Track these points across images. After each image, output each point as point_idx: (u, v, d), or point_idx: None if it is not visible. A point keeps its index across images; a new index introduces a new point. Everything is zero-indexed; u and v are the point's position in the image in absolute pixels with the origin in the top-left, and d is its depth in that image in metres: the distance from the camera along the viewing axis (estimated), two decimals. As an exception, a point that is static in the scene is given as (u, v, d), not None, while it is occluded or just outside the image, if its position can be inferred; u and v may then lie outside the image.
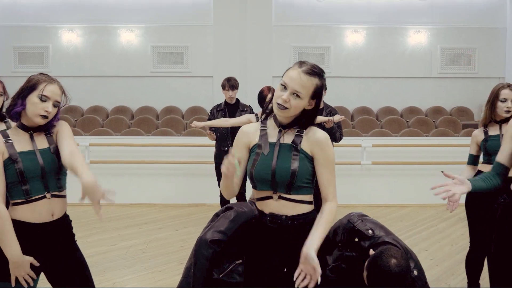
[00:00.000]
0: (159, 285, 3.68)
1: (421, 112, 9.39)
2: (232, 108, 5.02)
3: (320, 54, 9.47)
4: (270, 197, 1.93)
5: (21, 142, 2.05)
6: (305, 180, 1.91)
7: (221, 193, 4.97)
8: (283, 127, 1.94)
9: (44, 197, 2.05)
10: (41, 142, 2.10)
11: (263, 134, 1.97)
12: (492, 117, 3.21)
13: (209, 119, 5.00)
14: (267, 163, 1.91)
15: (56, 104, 2.09)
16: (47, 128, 2.13)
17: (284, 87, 1.86)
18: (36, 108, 2.03)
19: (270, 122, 1.99)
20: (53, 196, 2.07)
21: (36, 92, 2.04)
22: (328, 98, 9.21)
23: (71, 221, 2.22)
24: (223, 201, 5.03)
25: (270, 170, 1.89)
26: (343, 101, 9.36)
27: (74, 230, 2.25)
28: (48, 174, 2.06)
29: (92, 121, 8.58)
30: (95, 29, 9.37)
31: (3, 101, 2.78)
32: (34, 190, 2.03)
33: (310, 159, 1.91)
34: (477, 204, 3.18)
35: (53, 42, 9.40)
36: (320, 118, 4.62)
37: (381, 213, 6.09)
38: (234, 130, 4.90)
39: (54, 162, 2.09)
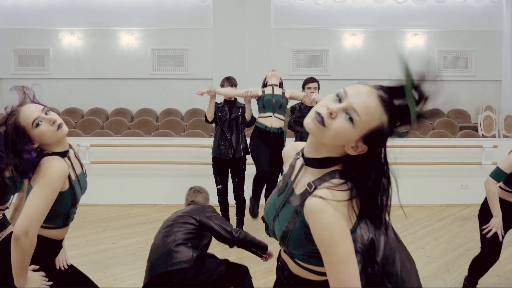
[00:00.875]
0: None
1: (419, 114, 9.46)
2: (231, 104, 5.09)
3: (318, 56, 9.57)
4: None
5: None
6: (304, 253, 1.36)
7: (218, 193, 5.00)
8: (305, 161, 1.36)
9: (72, 219, 2.10)
10: (77, 164, 2.05)
11: (293, 163, 1.43)
12: None
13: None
14: (273, 209, 1.43)
15: (46, 111, 1.91)
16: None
17: (340, 99, 1.27)
18: (48, 132, 1.87)
19: None
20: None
21: (29, 127, 1.86)
22: (327, 100, 9.34)
23: None
24: (222, 201, 5.09)
25: (272, 220, 1.42)
26: (341, 103, 9.45)
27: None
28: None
29: (92, 123, 8.65)
30: (96, 32, 9.45)
31: None
32: (71, 217, 2.07)
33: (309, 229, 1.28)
34: (490, 214, 3.14)
35: (53, 44, 9.48)
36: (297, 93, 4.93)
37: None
38: (232, 125, 4.97)
39: (86, 185, 2.10)
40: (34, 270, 1.95)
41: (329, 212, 1.21)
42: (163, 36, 9.49)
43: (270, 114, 4.74)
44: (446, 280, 3.75)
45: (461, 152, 6.80)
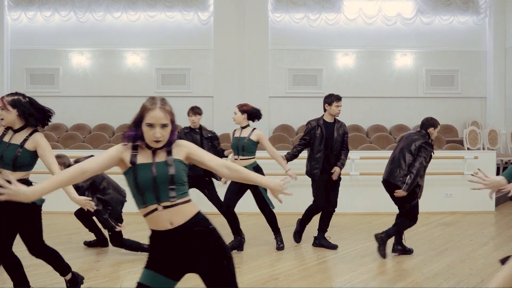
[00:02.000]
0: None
1: (409, 130, 9.99)
2: (196, 132, 5.44)
3: (313, 75, 10.14)
4: None
5: (144, 156, 2.23)
6: None
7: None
8: None
9: (156, 209, 2.16)
10: (160, 155, 2.23)
11: None
12: None
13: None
14: None
15: (164, 126, 2.18)
16: (168, 145, 2.26)
17: None
18: (147, 136, 2.19)
19: None
20: (165, 207, 2.16)
21: (144, 121, 2.18)
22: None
23: (206, 226, 2.24)
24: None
25: None
26: (335, 119, 9.98)
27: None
28: (160, 185, 2.16)
29: (99, 138, 9.15)
30: (103, 52, 10.05)
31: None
32: (149, 200, 2.18)
33: None
34: None
35: (63, 64, 10.06)
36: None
37: (368, 220, 6.62)
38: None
39: (165, 174, 2.17)
40: None
41: None
42: (167, 56, 10.08)
43: (236, 157, 4.99)
44: (423, 272, 4.22)
45: (445, 163, 7.29)
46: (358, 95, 10.08)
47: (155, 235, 2.20)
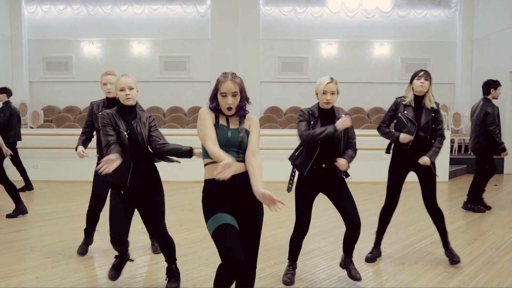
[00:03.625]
0: (189, 217, 5.44)
1: (384, 111, 11.16)
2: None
3: (300, 63, 11.28)
4: None
5: (222, 119, 2.61)
6: None
7: None
8: None
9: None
10: (234, 123, 2.63)
11: None
12: None
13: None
14: None
15: (234, 94, 2.56)
16: (241, 115, 2.64)
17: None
18: (222, 104, 2.57)
19: None
20: None
21: (219, 91, 2.57)
22: (307, 101, 11.06)
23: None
24: None
25: None
26: (319, 102, 11.14)
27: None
28: (231, 146, 2.56)
29: (110, 119, 10.32)
30: (112, 42, 11.17)
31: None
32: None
33: None
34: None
35: (76, 53, 11.18)
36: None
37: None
38: None
39: (237, 139, 2.57)
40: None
41: None
42: (169, 45, 11.20)
43: None
44: (369, 220, 5.49)
45: (408, 140, 8.48)
46: (340, 80, 10.64)
47: (210, 183, 2.57)
